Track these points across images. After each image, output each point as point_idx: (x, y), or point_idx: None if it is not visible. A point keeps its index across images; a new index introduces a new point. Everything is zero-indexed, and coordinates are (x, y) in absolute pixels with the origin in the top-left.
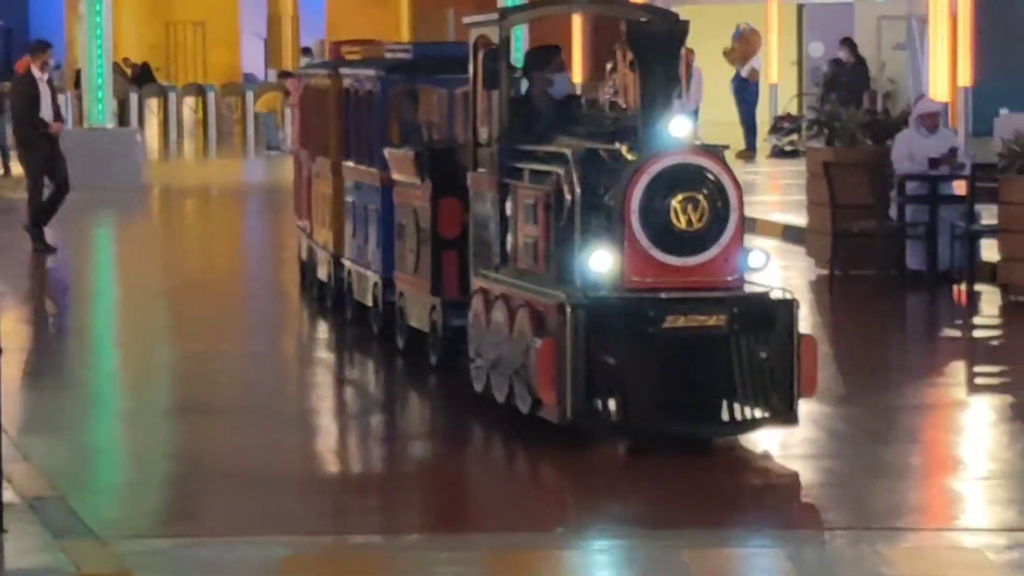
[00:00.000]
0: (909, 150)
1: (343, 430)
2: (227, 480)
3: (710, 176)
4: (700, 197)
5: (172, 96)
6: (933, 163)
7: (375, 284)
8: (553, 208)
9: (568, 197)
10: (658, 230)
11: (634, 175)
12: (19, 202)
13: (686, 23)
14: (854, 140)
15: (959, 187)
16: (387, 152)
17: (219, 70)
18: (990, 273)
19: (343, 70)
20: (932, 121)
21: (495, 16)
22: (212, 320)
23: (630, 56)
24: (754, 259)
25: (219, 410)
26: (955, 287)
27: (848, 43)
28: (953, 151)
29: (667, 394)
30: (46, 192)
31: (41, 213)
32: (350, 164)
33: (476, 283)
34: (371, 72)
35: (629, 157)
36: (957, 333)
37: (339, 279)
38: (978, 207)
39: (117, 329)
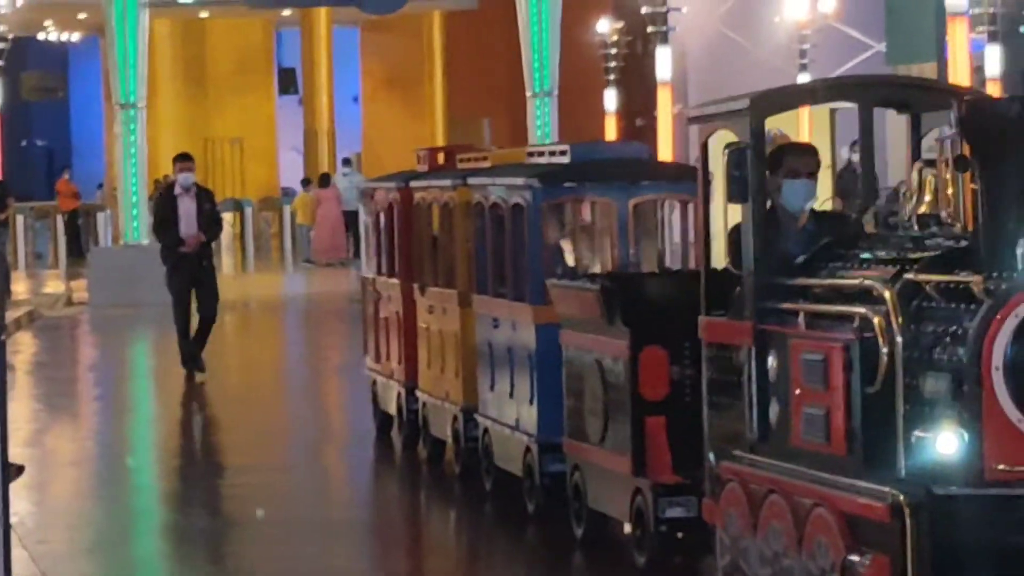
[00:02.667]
0: None
1: None
2: None
3: None
4: None
5: None
6: None
7: (527, 450)
8: (858, 365)
9: (884, 350)
10: None
11: (994, 319)
12: (61, 319)
13: None
14: None
15: None
16: (552, 284)
17: (257, 185)
18: None
19: (473, 180)
20: None
21: (743, 104)
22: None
23: (953, 151)
24: None
25: None
26: None
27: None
28: None
29: None
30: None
31: (186, 354)
32: (485, 297)
33: (724, 468)
34: (518, 181)
35: (980, 292)
36: None
37: (471, 439)
38: None
39: (154, 445)
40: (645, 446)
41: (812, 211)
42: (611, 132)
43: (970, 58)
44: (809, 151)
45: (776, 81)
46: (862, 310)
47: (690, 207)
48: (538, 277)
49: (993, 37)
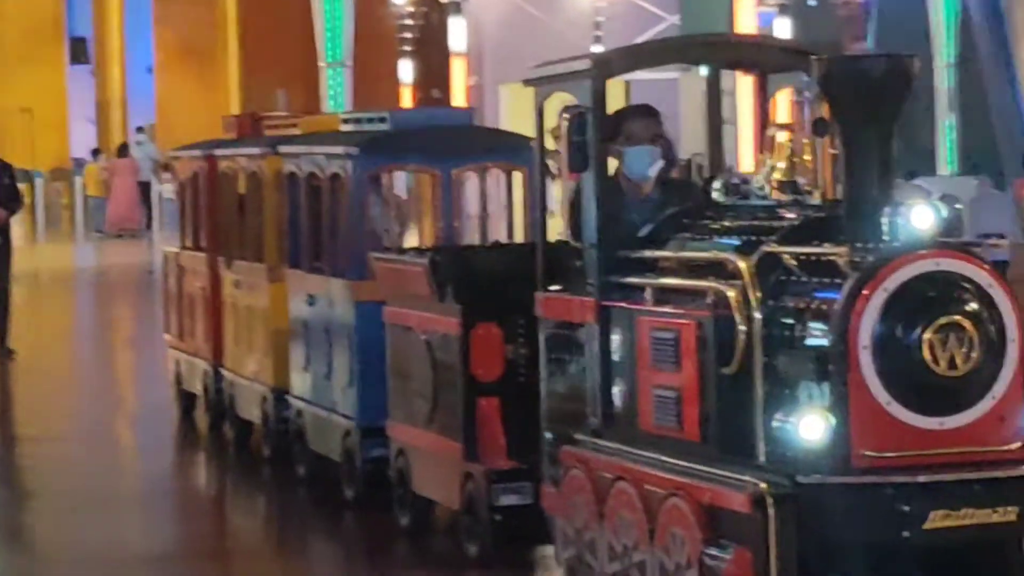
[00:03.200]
0: None
1: None
2: None
3: (977, 291)
4: (966, 324)
5: None
6: None
7: (347, 433)
8: (712, 344)
9: (742, 327)
10: (904, 377)
11: (860, 294)
12: None
13: (912, 59)
14: None
15: None
16: (375, 258)
17: (47, 156)
18: None
19: (285, 148)
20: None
21: (584, 65)
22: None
23: (815, 112)
24: None
25: None
26: None
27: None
28: None
29: None
30: None
31: None
32: (299, 272)
33: (565, 453)
34: (337, 149)
35: (845, 264)
36: None
37: (281, 421)
38: None
39: None
40: (477, 429)
41: (657, 179)
42: (407, 103)
43: (758, 31)
44: (650, 113)
45: (571, 54)
46: (716, 284)
47: (515, 176)
48: (359, 251)
49: (783, 10)
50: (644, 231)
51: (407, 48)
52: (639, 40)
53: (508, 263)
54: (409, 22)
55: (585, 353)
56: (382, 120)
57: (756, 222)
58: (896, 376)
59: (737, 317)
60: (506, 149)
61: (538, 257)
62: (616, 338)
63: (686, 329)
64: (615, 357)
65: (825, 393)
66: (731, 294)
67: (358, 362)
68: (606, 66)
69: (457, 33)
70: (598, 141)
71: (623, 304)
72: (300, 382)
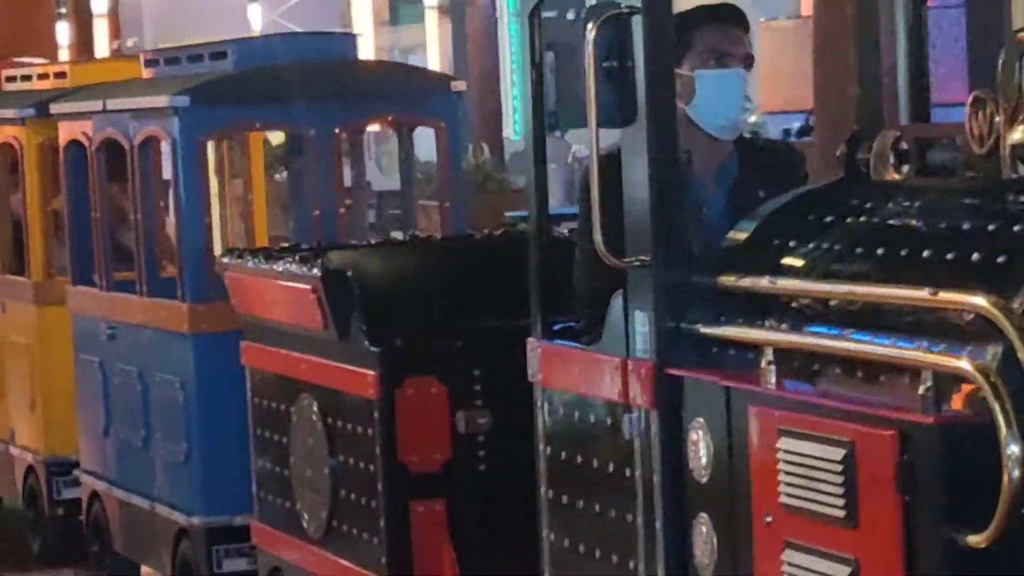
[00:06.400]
0: None
1: None
2: None
3: None
4: None
5: None
6: None
7: (179, 535)
8: (938, 481)
9: (1014, 449)
10: None
11: None
12: None
13: None
14: None
15: None
16: (226, 264)
17: None
18: None
19: (60, 107)
20: None
21: None
22: None
23: None
24: None
25: None
26: None
27: None
28: None
29: None
30: None
31: None
32: (90, 291)
33: None
34: (157, 102)
35: None
36: None
37: (59, 504)
38: None
39: None
40: (411, 551)
41: (740, 138)
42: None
43: None
44: (736, 18)
45: (229, 16)
46: (940, 356)
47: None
48: (198, 256)
49: None
50: (736, 234)
51: (62, 11)
52: None
53: (447, 273)
54: None
55: (634, 457)
56: (220, 56)
57: (994, 226)
58: None
59: (1001, 426)
60: (413, 94)
61: (532, 274)
62: (698, 438)
63: (872, 445)
64: (696, 474)
65: None
66: (979, 374)
67: (199, 427)
68: None
69: None
70: (659, 68)
71: (713, 378)
72: (94, 453)
